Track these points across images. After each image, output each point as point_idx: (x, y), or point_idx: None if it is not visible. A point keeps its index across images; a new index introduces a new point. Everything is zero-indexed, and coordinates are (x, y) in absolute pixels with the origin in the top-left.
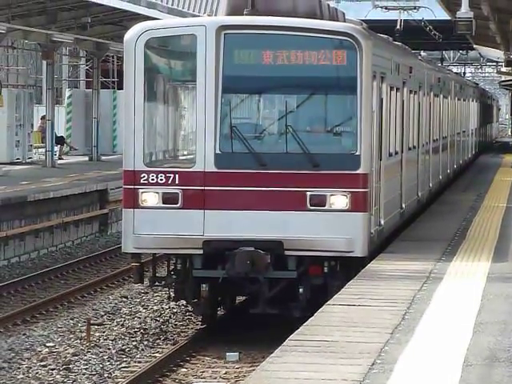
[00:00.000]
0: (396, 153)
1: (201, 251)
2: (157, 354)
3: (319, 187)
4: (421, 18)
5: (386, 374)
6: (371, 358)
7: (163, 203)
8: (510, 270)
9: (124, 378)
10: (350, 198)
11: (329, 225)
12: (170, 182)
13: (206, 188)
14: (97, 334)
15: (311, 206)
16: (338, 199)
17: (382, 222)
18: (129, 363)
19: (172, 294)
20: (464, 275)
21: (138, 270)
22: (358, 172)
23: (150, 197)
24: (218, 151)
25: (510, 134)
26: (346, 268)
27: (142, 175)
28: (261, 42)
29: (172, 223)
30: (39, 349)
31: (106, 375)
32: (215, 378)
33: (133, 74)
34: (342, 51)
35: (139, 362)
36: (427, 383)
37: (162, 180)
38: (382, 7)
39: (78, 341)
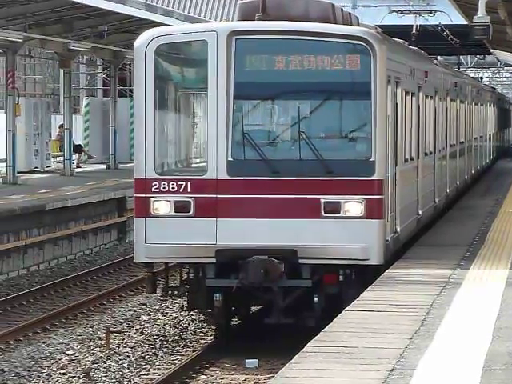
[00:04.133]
0: (412, 158)
1: (213, 260)
2: (176, 361)
3: (333, 194)
4: (437, 23)
5: (405, 379)
6: (390, 363)
7: (175, 212)
8: None
9: None
10: (364, 204)
11: (343, 232)
12: (181, 190)
13: (218, 196)
14: (116, 342)
15: (325, 213)
16: (353, 206)
17: (398, 229)
18: (148, 370)
19: (185, 304)
20: (483, 280)
21: (151, 280)
22: (372, 178)
23: (161, 205)
24: (230, 158)
25: None
26: (361, 276)
27: (154, 183)
28: (273, 47)
29: (184, 232)
30: (59, 357)
31: (125, 382)
32: None
33: (143, 81)
34: (356, 56)
35: (159, 369)
36: None
37: (173, 188)
38: (397, 12)
39: (98, 348)
